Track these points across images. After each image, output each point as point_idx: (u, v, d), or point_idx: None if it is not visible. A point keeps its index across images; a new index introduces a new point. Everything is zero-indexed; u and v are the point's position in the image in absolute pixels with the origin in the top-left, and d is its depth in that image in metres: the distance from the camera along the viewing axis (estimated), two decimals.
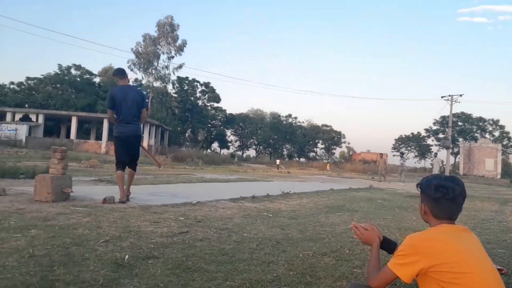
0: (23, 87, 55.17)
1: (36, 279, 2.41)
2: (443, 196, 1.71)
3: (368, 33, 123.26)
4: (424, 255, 1.58)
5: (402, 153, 27.79)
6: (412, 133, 71.22)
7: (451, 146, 45.05)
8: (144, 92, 6.23)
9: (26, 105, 49.18)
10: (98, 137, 41.02)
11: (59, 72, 53.47)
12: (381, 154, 24.43)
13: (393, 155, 64.54)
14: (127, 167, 6.19)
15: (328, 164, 43.62)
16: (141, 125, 6.26)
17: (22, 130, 34.87)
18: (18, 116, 37.93)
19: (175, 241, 3.64)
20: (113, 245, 3.32)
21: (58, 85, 52.89)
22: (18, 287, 2.26)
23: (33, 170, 9.22)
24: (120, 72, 6.20)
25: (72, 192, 5.81)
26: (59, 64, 53.87)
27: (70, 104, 48.43)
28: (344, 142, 74.97)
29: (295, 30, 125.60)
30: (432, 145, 68.77)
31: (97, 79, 57.10)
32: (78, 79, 53.61)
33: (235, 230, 4.36)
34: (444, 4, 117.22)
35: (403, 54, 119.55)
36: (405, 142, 72.11)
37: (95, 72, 57.13)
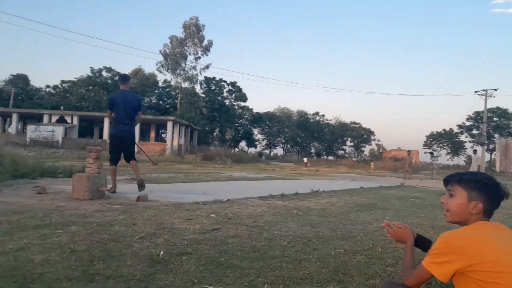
0: (58, 90, 57.47)
1: (78, 273, 2.52)
2: (502, 195, 1.68)
3: (397, 28, 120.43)
4: (461, 254, 1.53)
5: (431, 153, 26.98)
6: (444, 130, 69.09)
7: (486, 142, 43.35)
8: (140, 97, 6.75)
9: (62, 107, 51.16)
10: None
11: (91, 75, 55.34)
12: (409, 151, 23.81)
13: (424, 152, 62.85)
14: (129, 161, 6.69)
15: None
16: (135, 126, 6.83)
17: (59, 132, 36.28)
18: (54, 118, 39.54)
19: (207, 237, 3.72)
20: (148, 241, 3.43)
21: (91, 87, 54.68)
22: (62, 281, 2.38)
23: (70, 170, 9.60)
24: (122, 79, 6.86)
25: (107, 190, 6.02)
26: (91, 67, 55.84)
27: (102, 105, 49.92)
28: (374, 140, 73.70)
29: (321, 27, 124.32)
30: (465, 142, 66.58)
31: None
32: (109, 81, 55.22)
33: (266, 228, 4.39)
34: None
35: (435, 48, 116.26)
36: (436, 139, 70.02)
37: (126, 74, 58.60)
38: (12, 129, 42.18)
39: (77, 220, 4.13)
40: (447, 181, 1.82)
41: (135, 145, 7.09)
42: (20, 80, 58.79)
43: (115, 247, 3.19)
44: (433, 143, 70.25)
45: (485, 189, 1.71)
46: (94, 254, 2.94)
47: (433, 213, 6.63)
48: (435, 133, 70.07)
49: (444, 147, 69.49)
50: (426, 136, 71.24)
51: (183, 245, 3.35)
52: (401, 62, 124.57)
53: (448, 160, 67.48)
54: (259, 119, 67.90)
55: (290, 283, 2.60)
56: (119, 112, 6.38)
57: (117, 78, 55.49)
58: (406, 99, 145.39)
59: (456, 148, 67.49)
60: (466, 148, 65.23)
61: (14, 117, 40.50)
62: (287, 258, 3.20)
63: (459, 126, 65.63)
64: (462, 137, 67.11)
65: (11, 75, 59.35)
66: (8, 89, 52.27)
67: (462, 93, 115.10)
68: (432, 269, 1.60)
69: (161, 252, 3.06)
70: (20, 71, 65.45)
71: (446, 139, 68.87)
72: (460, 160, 65.94)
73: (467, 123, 64.30)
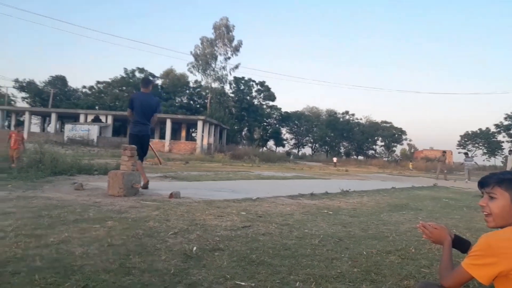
0: (93, 90, 59.50)
1: (115, 266, 2.62)
2: None
3: (429, 24, 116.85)
4: (505, 257, 1.48)
5: (466, 153, 26.00)
6: (480, 129, 66.32)
7: None
8: (159, 100, 7.04)
9: (97, 107, 52.90)
10: (162, 136, 42.96)
11: (124, 76, 56.89)
12: (444, 151, 23.04)
13: (458, 153, 60.66)
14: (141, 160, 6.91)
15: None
16: (151, 127, 7.16)
17: (94, 130, 37.55)
18: (90, 118, 40.96)
19: (238, 234, 3.76)
20: (181, 237, 3.51)
21: (124, 87, 56.21)
22: (100, 273, 2.47)
23: (105, 167, 9.93)
24: (144, 82, 7.32)
25: (141, 187, 6.19)
26: (124, 68, 57.41)
27: None
28: (406, 139, 71.85)
29: (350, 25, 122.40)
30: (503, 142, 63.62)
31: (159, 81, 59.88)
32: (153, 83, 56.50)
33: (296, 226, 4.39)
34: None
35: (470, 45, 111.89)
36: (472, 139, 67.36)
37: (157, 74, 59.97)
38: (51, 128, 44.08)
39: (113, 215, 4.27)
40: (485, 183, 1.72)
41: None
42: (59, 81, 61.26)
43: (150, 242, 3.28)
44: (467, 143, 67.64)
45: None
46: (130, 248, 3.04)
47: (469, 215, 6.41)
48: (470, 132, 67.46)
49: (480, 147, 66.78)
50: (461, 135, 68.76)
51: (215, 241, 3.41)
52: (435, 60, 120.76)
53: (484, 160, 64.70)
54: (287, 118, 67.69)
55: (322, 281, 2.59)
56: (138, 113, 6.73)
57: (149, 78, 57.18)
58: (440, 97, 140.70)
59: (493, 148, 64.64)
60: (503, 149, 62.32)
61: (53, 116, 42.26)
62: (319, 256, 3.19)
63: (497, 126, 62.92)
64: (500, 137, 64.25)
65: (50, 76, 62.01)
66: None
67: (500, 91, 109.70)
68: (473, 271, 1.55)
69: (194, 248, 3.13)
70: (59, 73, 68.13)
71: (482, 139, 66.12)
72: (497, 161, 63.11)
73: (505, 122, 61.54)
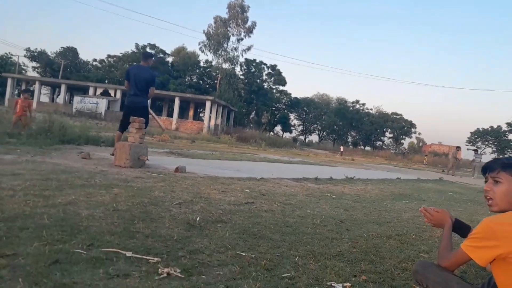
0: (104, 64, 59.48)
1: (120, 229, 2.67)
2: None
3: (444, 19, 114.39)
4: (505, 240, 1.50)
5: (476, 150, 25.72)
6: (491, 127, 65.49)
7: None
8: (156, 73, 7.04)
9: (106, 81, 52.95)
10: (170, 114, 43.04)
11: (135, 51, 56.65)
12: (458, 147, 22.80)
13: (467, 149, 60.02)
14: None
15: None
16: (149, 99, 7.29)
17: (102, 104, 37.66)
18: (99, 91, 41.05)
19: (241, 209, 3.81)
20: (185, 207, 3.56)
21: (135, 63, 56.02)
22: (105, 235, 2.53)
23: (112, 139, 9.99)
24: (143, 55, 7.41)
25: (147, 160, 6.26)
26: (136, 43, 57.25)
27: None
28: (415, 133, 71.16)
29: (366, 12, 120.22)
30: None
31: (170, 59, 59.65)
32: (153, 58, 56.37)
33: (299, 206, 4.43)
34: None
35: (484, 40, 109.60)
36: (482, 136, 66.60)
37: (168, 52, 59.68)
38: (60, 99, 44.32)
39: (119, 183, 4.34)
40: (490, 168, 1.73)
41: (149, 115, 7.45)
42: (70, 53, 61.27)
43: (155, 210, 3.34)
44: (477, 140, 66.94)
45: None
46: (135, 215, 3.10)
47: (472, 208, 6.41)
48: (481, 129, 66.69)
49: (490, 145, 66.08)
50: (471, 132, 67.99)
51: (218, 214, 3.46)
52: (450, 55, 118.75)
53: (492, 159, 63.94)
54: (296, 104, 67.26)
55: (321, 258, 2.63)
56: (131, 85, 6.86)
57: (160, 55, 57.03)
58: (453, 92, 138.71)
59: (503, 147, 63.93)
60: None
61: (63, 88, 42.42)
62: (319, 235, 3.23)
63: (508, 124, 62.07)
64: (511, 136, 63.47)
65: (61, 47, 62.03)
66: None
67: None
68: (472, 252, 1.57)
69: (198, 218, 3.18)
70: (70, 44, 67.97)
71: (492, 137, 65.37)
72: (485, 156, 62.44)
73: None
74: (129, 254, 2.21)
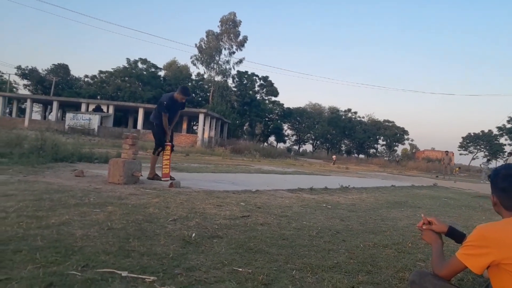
0: (96, 80, 59.35)
1: (115, 249, 2.65)
2: (511, 185, 1.63)
3: (432, 25, 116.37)
4: (496, 247, 1.52)
5: (488, 159, 25.72)
6: (482, 131, 66.20)
7: None
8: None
9: (98, 97, 52.83)
10: None
11: (127, 66, 56.71)
12: (446, 151, 23.02)
13: (460, 154, 60.46)
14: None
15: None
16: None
17: (95, 120, 37.53)
18: (91, 107, 40.93)
19: (237, 223, 3.79)
20: (180, 223, 3.54)
21: (127, 78, 56.08)
22: (100, 254, 2.50)
23: (106, 156, 9.96)
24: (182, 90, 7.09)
25: (141, 176, 6.23)
26: (127, 58, 57.17)
27: (137, 96, 51.18)
28: (407, 139, 71.62)
29: (355, 23, 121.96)
30: (505, 145, 63.47)
31: (161, 73, 59.76)
32: (145, 72, 56.43)
33: (295, 218, 4.42)
34: None
35: (473, 46, 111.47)
36: (474, 141, 67.23)
37: (160, 66, 59.82)
38: (52, 116, 44.08)
39: (114, 201, 4.31)
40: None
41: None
42: (61, 70, 61.07)
43: (150, 227, 3.31)
44: (469, 144, 67.56)
45: (495, 180, 1.69)
46: (130, 233, 3.07)
47: (467, 213, 6.45)
48: (472, 134, 67.36)
49: (482, 150, 66.67)
50: (463, 137, 68.66)
51: (214, 229, 3.44)
52: (438, 60, 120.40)
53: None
54: (289, 114, 67.49)
55: (318, 270, 2.62)
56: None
57: (152, 69, 56.99)
58: (443, 98, 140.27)
59: (495, 151, 64.52)
60: (505, 151, 62.23)
61: (55, 105, 42.26)
62: (316, 247, 3.22)
63: (499, 128, 62.79)
64: (502, 140, 64.14)
65: (53, 64, 61.82)
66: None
67: (504, 93, 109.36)
68: (467, 260, 1.59)
69: (193, 234, 3.16)
70: (61, 61, 67.81)
71: (484, 141, 66.01)
72: (499, 164, 63.00)
73: (508, 125, 61.41)
74: (124, 273, 2.19)
